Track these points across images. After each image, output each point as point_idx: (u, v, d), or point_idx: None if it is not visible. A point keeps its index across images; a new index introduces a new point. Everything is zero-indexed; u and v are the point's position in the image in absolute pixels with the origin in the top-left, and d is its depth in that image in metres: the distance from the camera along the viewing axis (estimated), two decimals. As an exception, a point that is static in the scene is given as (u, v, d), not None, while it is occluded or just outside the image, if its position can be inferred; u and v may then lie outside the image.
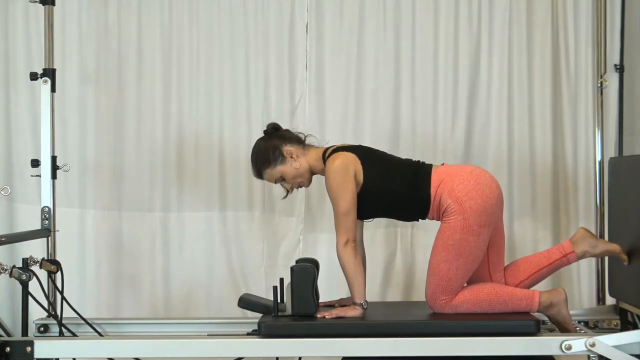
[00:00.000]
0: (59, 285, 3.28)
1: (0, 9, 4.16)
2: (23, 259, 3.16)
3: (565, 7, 4.10)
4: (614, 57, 3.97)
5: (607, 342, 2.75)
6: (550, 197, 4.13)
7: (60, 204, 3.69)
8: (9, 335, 3.12)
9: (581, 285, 4.05)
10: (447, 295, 2.92)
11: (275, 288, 2.95)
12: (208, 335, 3.25)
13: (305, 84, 4.17)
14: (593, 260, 3.81)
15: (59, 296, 3.28)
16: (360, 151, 3.02)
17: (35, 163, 3.41)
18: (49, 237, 3.45)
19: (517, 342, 2.76)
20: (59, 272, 3.28)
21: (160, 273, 4.14)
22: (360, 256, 3.02)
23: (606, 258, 3.55)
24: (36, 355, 2.78)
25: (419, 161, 3.09)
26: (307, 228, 4.15)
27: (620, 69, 3.97)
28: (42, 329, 3.32)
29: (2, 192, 3.21)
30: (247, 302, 3.04)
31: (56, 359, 2.91)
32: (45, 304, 3.22)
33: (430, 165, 3.04)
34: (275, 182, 3.13)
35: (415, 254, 4.14)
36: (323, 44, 4.17)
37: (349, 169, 2.94)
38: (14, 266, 3.03)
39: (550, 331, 3.09)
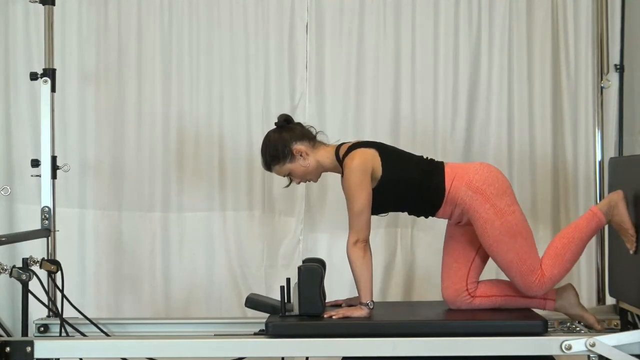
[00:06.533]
0: (59, 285, 3.28)
1: (0, 9, 4.16)
2: (23, 259, 3.15)
3: (565, 7, 4.11)
4: (614, 57, 3.97)
5: (607, 342, 2.75)
6: (550, 197, 4.13)
7: (60, 204, 3.68)
8: (9, 335, 3.11)
9: (581, 285, 4.04)
10: (535, 272, 2.91)
11: (282, 288, 2.94)
12: (215, 335, 3.23)
13: (305, 83, 4.17)
14: (593, 260, 3.81)
15: (59, 296, 3.27)
16: (377, 146, 3.00)
17: (35, 163, 3.40)
18: (49, 237, 3.45)
19: (516, 342, 2.75)
20: (59, 272, 3.28)
21: (160, 273, 4.14)
22: (369, 257, 2.97)
23: (606, 257, 3.55)
24: (36, 355, 2.77)
25: (428, 158, 3.07)
26: (307, 228, 4.15)
27: (620, 69, 3.96)
28: (42, 329, 3.32)
29: (2, 192, 3.21)
30: (254, 302, 3.03)
31: (56, 359, 2.91)
32: (46, 303, 3.22)
33: (442, 162, 3.04)
34: (284, 177, 3.11)
35: (415, 254, 4.13)
36: (323, 44, 4.17)
37: (367, 167, 2.90)
38: (14, 266, 3.02)
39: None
